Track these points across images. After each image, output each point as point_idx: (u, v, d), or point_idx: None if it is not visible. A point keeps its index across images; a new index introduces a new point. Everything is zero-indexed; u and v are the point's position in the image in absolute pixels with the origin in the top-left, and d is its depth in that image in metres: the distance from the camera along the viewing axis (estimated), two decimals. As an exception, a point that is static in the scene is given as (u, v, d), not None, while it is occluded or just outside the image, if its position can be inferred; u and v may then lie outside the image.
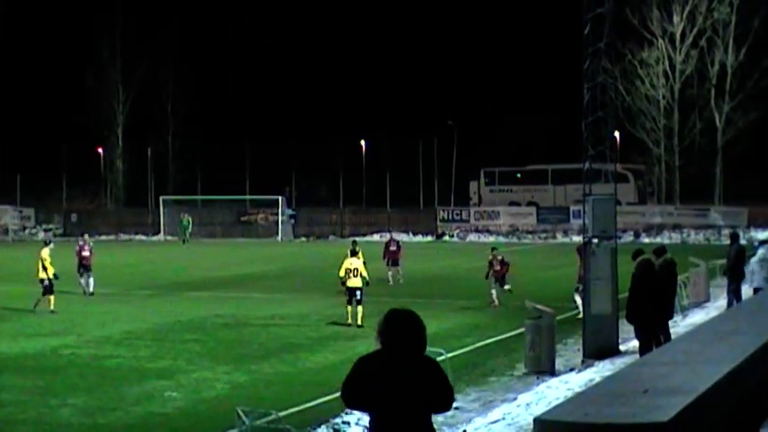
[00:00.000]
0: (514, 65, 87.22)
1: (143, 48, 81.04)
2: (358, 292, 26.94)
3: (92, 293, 34.13)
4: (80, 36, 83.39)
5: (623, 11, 63.75)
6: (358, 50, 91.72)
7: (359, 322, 26.53)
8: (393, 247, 38.96)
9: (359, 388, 7.65)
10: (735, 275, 26.77)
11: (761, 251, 25.87)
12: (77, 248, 35.24)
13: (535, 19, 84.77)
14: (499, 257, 30.90)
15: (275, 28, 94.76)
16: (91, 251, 35.33)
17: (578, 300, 25.77)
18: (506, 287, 30.55)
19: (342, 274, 27.52)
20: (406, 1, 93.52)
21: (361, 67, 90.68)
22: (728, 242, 29.84)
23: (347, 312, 26.98)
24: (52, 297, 29.73)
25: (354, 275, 27.21)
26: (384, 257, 38.73)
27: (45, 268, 30.02)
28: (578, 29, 23.35)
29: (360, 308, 26.74)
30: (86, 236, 37.36)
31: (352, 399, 7.77)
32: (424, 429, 7.65)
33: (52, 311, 29.25)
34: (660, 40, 70.31)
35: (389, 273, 38.01)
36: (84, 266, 34.83)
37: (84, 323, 27.72)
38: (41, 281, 29.95)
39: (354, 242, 30.56)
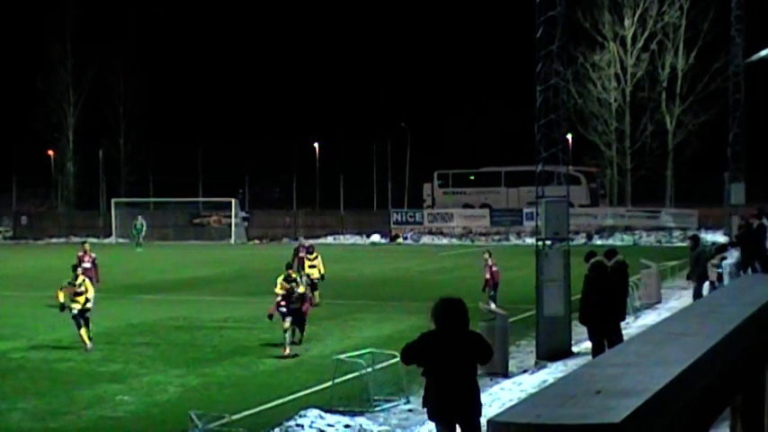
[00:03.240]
0: (468, 67, 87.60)
1: (94, 49, 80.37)
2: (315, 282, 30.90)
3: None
4: (30, 37, 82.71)
5: (575, 14, 64.26)
6: (311, 53, 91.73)
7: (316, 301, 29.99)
8: (302, 253, 35.79)
9: (419, 353, 11.32)
10: (700, 279, 27.15)
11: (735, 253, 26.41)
12: (77, 259, 30.75)
13: (488, 21, 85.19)
14: (490, 263, 29.19)
15: (227, 29, 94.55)
16: (94, 262, 31.53)
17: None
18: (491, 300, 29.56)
19: (306, 270, 30.87)
20: (361, 3, 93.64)
21: (315, 69, 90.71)
22: (681, 244, 30.24)
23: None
24: None
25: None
26: (293, 263, 37.01)
27: None
28: (531, 31, 23.48)
29: (315, 293, 30.38)
30: (87, 245, 33.39)
31: (411, 359, 11.55)
32: (471, 380, 11.44)
33: None
34: (611, 44, 70.87)
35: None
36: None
37: (35, 326, 27.46)
38: None
39: (311, 246, 32.95)
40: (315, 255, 32.29)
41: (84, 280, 24.96)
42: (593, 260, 19.68)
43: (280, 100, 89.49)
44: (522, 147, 76.23)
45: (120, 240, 70.83)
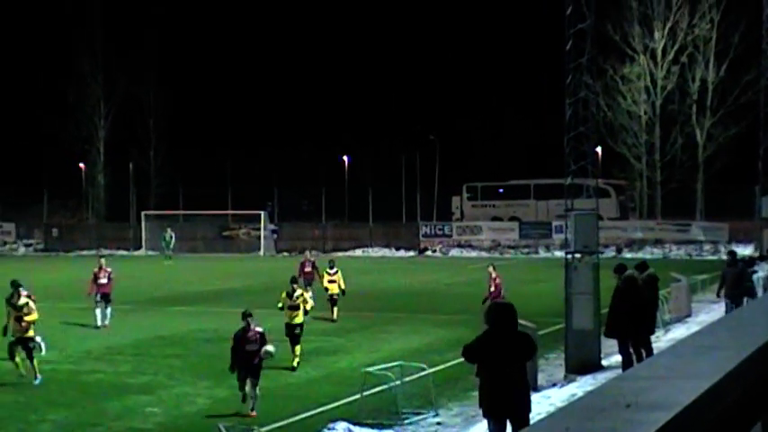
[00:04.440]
0: (497, 80, 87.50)
1: (124, 62, 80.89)
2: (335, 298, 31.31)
3: (104, 326, 30.15)
4: (60, 50, 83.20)
5: (605, 27, 64.04)
6: (341, 65, 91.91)
7: (334, 317, 30.86)
8: (308, 268, 35.63)
9: (477, 352, 12.40)
10: (737, 298, 26.50)
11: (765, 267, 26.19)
12: (92, 275, 30.91)
13: (518, 34, 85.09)
14: (494, 275, 29.27)
15: (257, 41, 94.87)
16: (110, 278, 30.89)
17: None
18: None
19: (324, 284, 31.63)
20: (389, 16, 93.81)
21: (345, 82, 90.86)
22: (711, 257, 30.02)
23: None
24: None
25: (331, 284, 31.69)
26: (299, 277, 34.57)
27: None
28: (560, 44, 23.44)
29: (335, 308, 30.98)
30: (103, 260, 32.84)
31: (471, 357, 12.58)
32: (521, 378, 12.49)
33: None
34: (641, 56, 70.60)
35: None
36: (102, 295, 30.61)
37: (65, 338, 27.58)
38: None
39: (331, 261, 33.35)
40: (336, 270, 32.15)
41: (27, 303, 21.98)
42: (625, 273, 19.64)
43: (309, 112, 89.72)
44: (551, 159, 76.19)
45: (150, 252, 71.10)
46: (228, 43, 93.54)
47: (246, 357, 18.45)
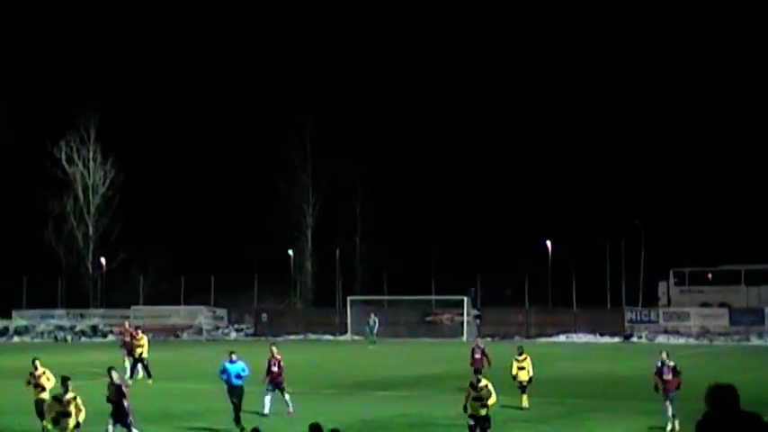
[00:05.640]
0: (702, 164, 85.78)
1: (331, 149, 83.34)
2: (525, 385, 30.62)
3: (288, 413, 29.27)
4: (270, 142, 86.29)
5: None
6: (545, 152, 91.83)
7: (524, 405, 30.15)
8: (477, 355, 35.29)
9: None
10: None
11: None
12: (266, 363, 29.87)
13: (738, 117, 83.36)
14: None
15: (461, 130, 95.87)
16: (279, 365, 29.54)
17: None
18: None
19: (513, 372, 30.84)
20: (598, 101, 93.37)
21: (547, 168, 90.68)
22: None
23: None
24: None
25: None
26: (471, 365, 34.75)
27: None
28: None
29: (524, 396, 30.32)
30: (274, 347, 31.04)
31: None
32: None
33: None
34: None
35: None
36: (274, 384, 29.62)
37: (273, 422, 28.21)
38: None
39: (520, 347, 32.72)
40: (524, 356, 31.39)
41: (74, 397, 20.68)
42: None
43: (512, 198, 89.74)
44: (763, 242, 73.82)
45: (355, 337, 72.15)
46: (429, 130, 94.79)
47: None
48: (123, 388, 23.16)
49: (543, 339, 69.59)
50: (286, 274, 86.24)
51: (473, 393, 22.22)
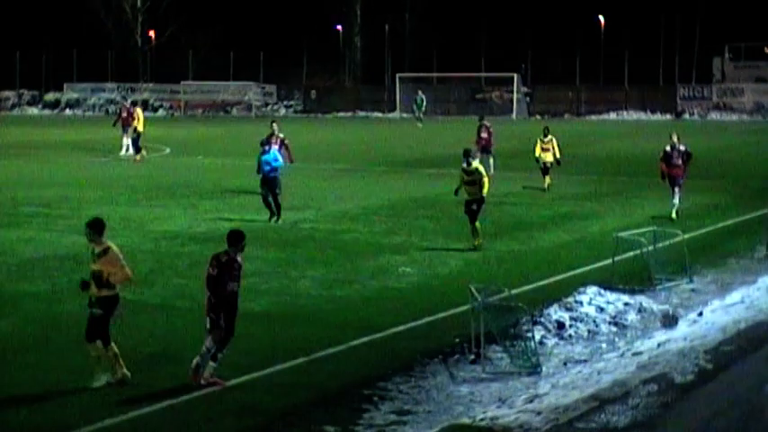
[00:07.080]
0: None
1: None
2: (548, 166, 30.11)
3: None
4: None
5: None
6: None
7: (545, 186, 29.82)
8: (485, 134, 34.93)
9: None
10: None
11: None
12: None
13: None
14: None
15: None
16: (283, 143, 27.02)
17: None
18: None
19: (537, 153, 30.36)
20: None
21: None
22: None
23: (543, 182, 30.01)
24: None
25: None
26: (477, 144, 33.87)
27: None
28: None
29: (547, 177, 29.89)
30: (275, 124, 28.25)
31: None
32: None
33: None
34: None
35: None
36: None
37: (323, 198, 28.45)
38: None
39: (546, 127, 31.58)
40: (549, 137, 30.44)
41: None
42: None
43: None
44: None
45: (404, 115, 72.00)
46: None
47: None
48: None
49: (593, 117, 69.10)
50: (335, 52, 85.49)
51: (466, 177, 21.32)
